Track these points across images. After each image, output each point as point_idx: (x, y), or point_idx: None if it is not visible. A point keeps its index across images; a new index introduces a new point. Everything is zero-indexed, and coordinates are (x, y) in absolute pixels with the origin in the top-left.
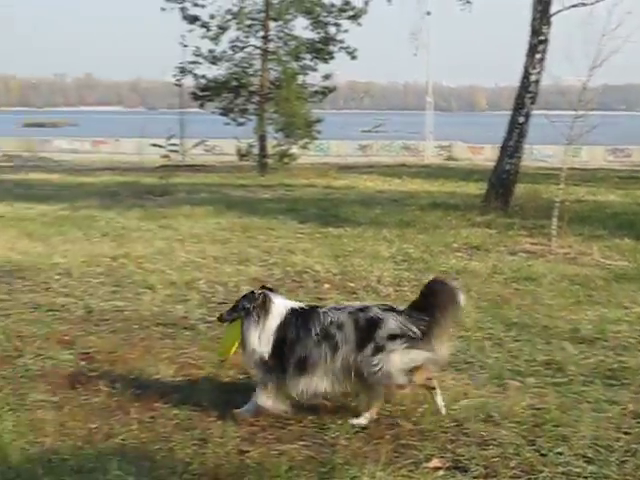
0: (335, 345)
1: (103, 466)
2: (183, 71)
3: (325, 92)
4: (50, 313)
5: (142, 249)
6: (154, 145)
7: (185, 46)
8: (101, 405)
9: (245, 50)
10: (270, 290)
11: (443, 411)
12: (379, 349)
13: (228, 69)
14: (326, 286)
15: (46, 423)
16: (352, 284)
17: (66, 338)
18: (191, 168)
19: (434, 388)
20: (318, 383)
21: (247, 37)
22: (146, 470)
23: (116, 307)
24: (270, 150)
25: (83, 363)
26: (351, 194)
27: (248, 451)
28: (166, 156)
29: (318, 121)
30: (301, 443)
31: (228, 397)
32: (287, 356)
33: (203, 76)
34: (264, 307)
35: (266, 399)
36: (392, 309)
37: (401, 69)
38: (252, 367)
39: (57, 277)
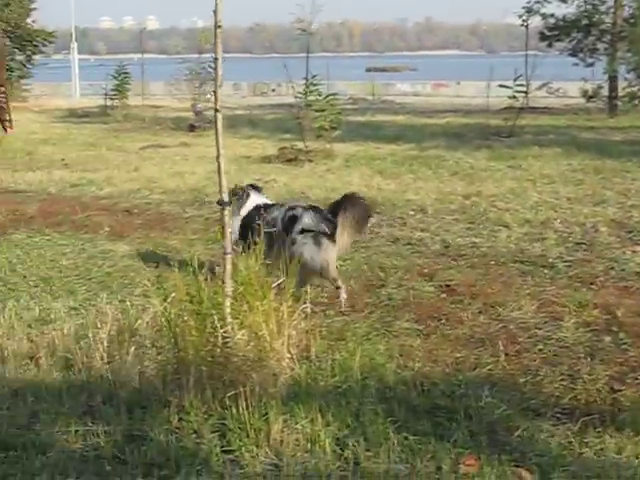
0: (270, 235)
1: (474, 393)
2: (530, 11)
3: None
4: (408, 246)
5: (493, 188)
6: (502, 86)
7: None
8: (466, 336)
9: None
10: (255, 188)
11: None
12: (293, 241)
13: (578, 7)
14: None
15: (414, 349)
16: None
17: (425, 271)
18: (535, 110)
19: (339, 287)
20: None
21: None
22: (517, 400)
23: (472, 243)
24: (620, 91)
25: (444, 295)
26: None
27: (620, 390)
28: (513, 97)
29: None
30: None
31: (593, 336)
32: (247, 241)
33: (552, 15)
34: (241, 199)
35: None
36: (313, 208)
37: None
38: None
39: (412, 213)
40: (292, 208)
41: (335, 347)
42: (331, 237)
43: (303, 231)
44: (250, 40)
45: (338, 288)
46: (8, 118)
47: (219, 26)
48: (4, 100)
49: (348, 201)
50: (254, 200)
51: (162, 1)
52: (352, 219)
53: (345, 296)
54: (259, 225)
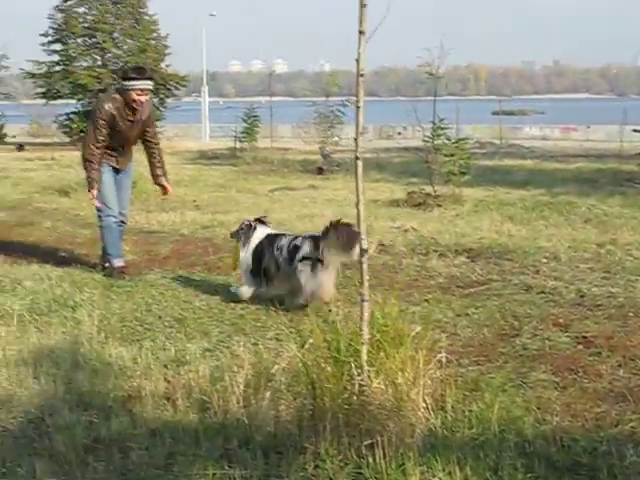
0: (277, 262)
1: (617, 451)
2: None
3: None
4: (542, 295)
5: (629, 236)
6: (636, 131)
7: None
8: (605, 390)
9: None
10: (261, 221)
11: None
12: (295, 267)
13: None
14: None
15: (552, 402)
16: None
17: (560, 321)
18: None
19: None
20: (275, 285)
21: None
22: None
23: (609, 293)
24: None
25: (581, 347)
26: None
27: None
28: None
29: None
30: None
31: None
32: (259, 267)
33: None
34: (249, 233)
35: (245, 292)
36: (313, 237)
37: None
38: (242, 274)
39: (544, 260)
40: (295, 238)
41: (471, 398)
42: (324, 263)
43: (303, 258)
44: (376, 83)
45: (327, 303)
46: (163, 174)
47: (361, 74)
48: (158, 157)
49: (332, 227)
50: (263, 231)
51: (290, 45)
52: (335, 243)
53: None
54: (271, 252)
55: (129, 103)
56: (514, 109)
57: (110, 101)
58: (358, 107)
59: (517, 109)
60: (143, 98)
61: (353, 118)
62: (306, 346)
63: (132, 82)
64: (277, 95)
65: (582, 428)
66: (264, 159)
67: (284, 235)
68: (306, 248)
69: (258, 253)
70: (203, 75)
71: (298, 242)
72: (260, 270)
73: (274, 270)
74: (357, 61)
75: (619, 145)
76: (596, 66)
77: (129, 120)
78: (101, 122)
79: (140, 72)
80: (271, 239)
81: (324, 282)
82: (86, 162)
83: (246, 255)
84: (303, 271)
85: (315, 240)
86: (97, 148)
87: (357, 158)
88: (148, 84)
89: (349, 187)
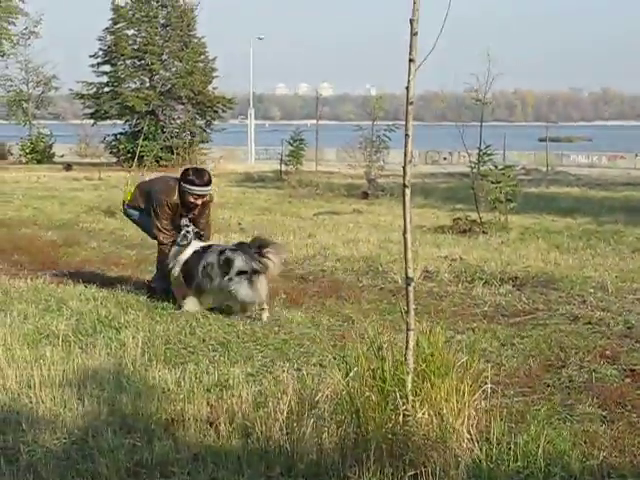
0: (210, 276)
1: None
2: None
3: None
4: (588, 326)
5: None
6: None
7: None
8: None
9: None
10: (199, 236)
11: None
12: (231, 280)
13: None
14: None
15: (598, 436)
16: None
17: (607, 352)
18: None
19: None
20: (209, 298)
21: None
22: None
23: None
24: None
25: (629, 380)
26: None
27: None
28: None
29: None
30: None
31: None
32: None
33: None
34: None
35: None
36: (242, 249)
37: None
38: (176, 291)
39: (591, 290)
40: (223, 252)
41: (516, 430)
42: (260, 272)
43: (240, 272)
44: (422, 108)
45: (262, 310)
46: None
47: (411, 102)
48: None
49: (263, 240)
50: (194, 246)
51: (336, 69)
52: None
53: (267, 315)
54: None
55: (185, 203)
56: (561, 136)
57: (170, 194)
58: (407, 135)
59: (564, 136)
60: (199, 201)
61: (399, 143)
62: (351, 374)
63: (191, 186)
64: (323, 118)
65: (630, 464)
66: (309, 182)
67: (210, 249)
68: (239, 263)
69: (189, 269)
70: (250, 97)
71: (230, 256)
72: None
73: (208, 285)
74: (407, 89)
75: None
76: None
77: (182, 215)
78: (166, 210)
79: (200, 177)
80: (199, 255)
81: (262, 291)
82: (161, 245)
83: (177, 265)
84: (241, 284)
85: (245, 251)
86: (167, 231)
87: (405, 186)
88: (206, 190)
89: (394, 212)
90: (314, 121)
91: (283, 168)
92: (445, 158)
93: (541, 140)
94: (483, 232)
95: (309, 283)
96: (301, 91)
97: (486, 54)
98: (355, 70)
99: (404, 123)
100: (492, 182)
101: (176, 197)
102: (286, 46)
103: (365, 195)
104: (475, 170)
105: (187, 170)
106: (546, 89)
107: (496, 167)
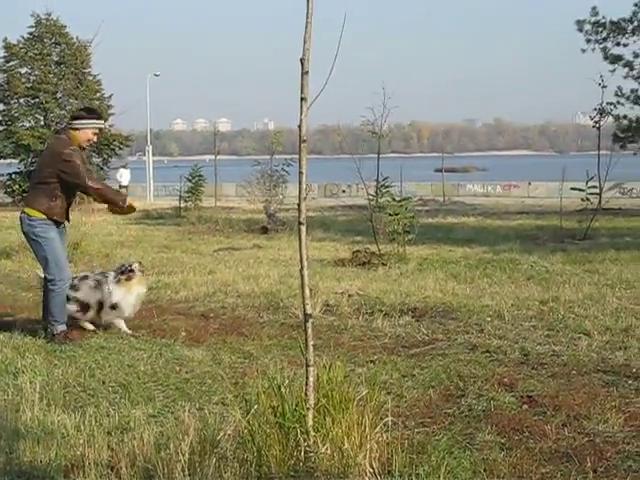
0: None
1: None
2: (601, 112)
3: None
4: (486, 354)
5: (571, 293)
6: (574, 189)
7: (604, 87)
8: (551, 450)
9: None
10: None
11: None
12: None
13: None
14: None
15: (497, 464)
16: None
17: (505, 380)
18: (609, 212)
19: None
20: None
21: None
22: None
23: (552, 351)
24: None
25: (526, 406)
26: None
27: None
28: (586, 199)
29: None
30: None
31: None
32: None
33: (625, 117)
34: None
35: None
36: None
37: None
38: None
39: (488, 319)
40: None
41: (417, 461)
42: None
43: None
44: (320, 141)
45: None
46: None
47: (304, 140)
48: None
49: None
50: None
51: (234, 104)
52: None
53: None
54: None
55: (81, 144)
56: (457, 166)
57: (70, 144)
58: (301, 172)
59: (460, 166)
60: (96, 138)
61: (297, 176)
62: (251, 412)
63: (88, 121)
64: (221, 154)
65: None
66: (209, 219)
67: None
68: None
69: None
70: (147, 134)
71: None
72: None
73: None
74: (299, 127)
75: (559, 202)
76: (536, 123)
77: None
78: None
79: (91, 111)
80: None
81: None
82: (98, 189)
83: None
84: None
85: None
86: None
87: (300, 223)
88: (101, 123)
89: (294, 246)
90: (213, 156)
91: (182, 204)
92: (344, 191)
93: (437, 170)
94: (382, 264)
95: (210, 320)
96: (199, 127)
97: (381, 88)
98: (253, 105)
99: (292, 157)
100: (390, 214)
101: (74, 145)
102: (183, 82)
103: (265, 230)
104: (373, 202)
105: (75, 112)
106: (441, 121)
107: (393, 199)
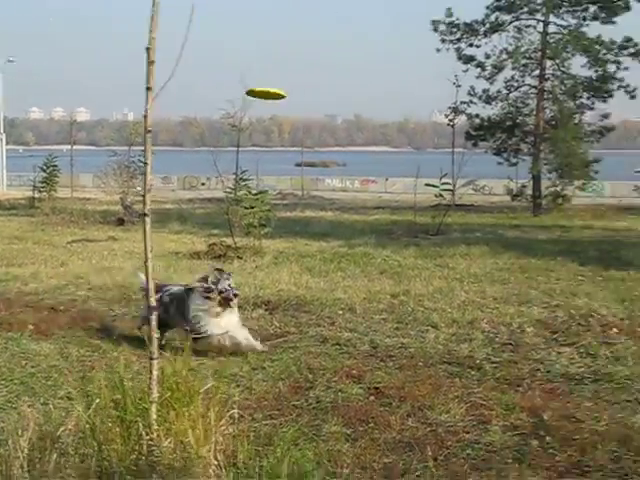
0: None
1: None
2: (456, 111)
3: (602, 132)
4: (337, 347)
5: (421, 287)
6: (428, 185)
7: (458, 86)
8: (395, 440)
9: (520, 89)
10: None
11: None
12: None
13: (502, 108)
14: (614, 330)
15: (342, 455)
16: None
17: (354, 372)
18: (462, 208)
19: None
20: None
21: (522, 76)
22: None
23: (401, 344)
24: (543, 190)
25: (373, 398)
26: (632, 236)
27: None
28: (440, 195)
29: (596, 161)
30: None
31: (521, 440)
32: None
33: (477, 115)
34: None
35: None
36: None
37: None
38: None
39: (340, 312)
40: None
41: (263, 453)
42: None
43: None
44: (181, 133)
45: None
46: None
47: (149, 131)
48: None
49: None
50: None
51: (93, 93)
52: None
53: None
54: None
55: None
56: (316, 161)
57: None
58: (146, 163)
59: (319, 161)
60: None
61: (154, 168)
62: (93, 406)
63: None
64: (80, 144)
65: (370, 479)
66: (63, 209)
67: None
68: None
69: None
70: (0, 122)
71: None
72: None
73: None
74: (145, 117)
75: (414, 197)
76: (395, 121)
77: None
78: None
79: None
80: None
81: None
82: None
83: None
84: None
85: None
86: None
87: (145, 215)
88: None
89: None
90: (69, 147)
91: (36, 195)
92: (203, 183)
93: (298, 165)
94: (238, 257)
95: (59, 313)
96: (56, 115)
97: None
98: (112, 95)
99: (159, 147)
100: (246, 207)
101: None
102: (40, 69)
103: (121, 222)
104: (231, 195)
105: None
106: (302, 115)
107: (250, 192)
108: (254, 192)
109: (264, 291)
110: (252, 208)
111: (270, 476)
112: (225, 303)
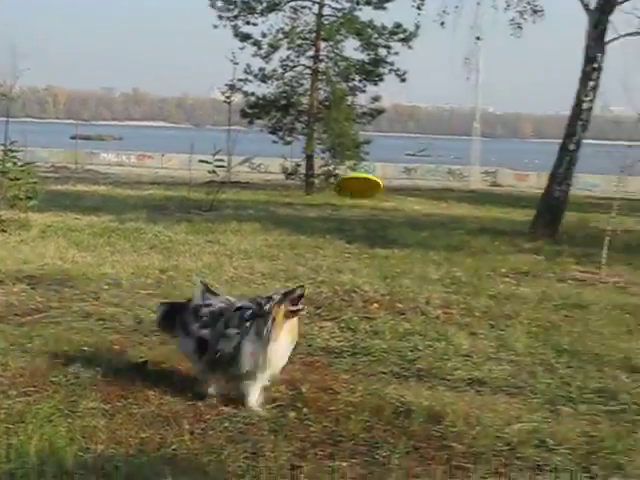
0: None
1: (156, 475)
2: (232, 88)
3: (373, 114)
4: (100, 322)
5: (190, 262)
6: (202, 161)
7: (236, 64)
8: (153, 415)
9: (295, 69)
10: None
11: None
12: None
13: (278, 87)
14: (375, 306)
15: (98, 431)
16: (400, 305)
17: (116, 347)
18: (237, 185)
19: None
20: None
21: (297, 56)
22: None
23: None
24: (316, 170)
25: (134, 373)
26: (398, 216)
27: (300, 466)
28: (213, 172)
29: (367, 142)
30: (353, 461)
31: (279, 412)
32: None
33: (252, 93)
34: None
35: None
36: None
37: (446, 93)
38: None
39: (106, 287)
40: None
41: (13, 430)
42: None
43: None
44: None
45: None
46: None
47: None
48: None
49: None
50: None
51: None
52: None
53: None
54: None
55: None
56: (92, 134)
57: None
58: None
59: (95, 134)
60: None
61: None
62: None
63: None
64: None
65: (125, 454)
66: None
67: None
68: None
69: None
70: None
71: None
72: None
73: None
74: None
75: (190, 174)
76: (173, 95)
77: None
78: None
79: None
80: None
81: None
82: None
83: None
84: None
85: None
86: None
87: None
88: None
89: None
90: None
91: None
92: None
93: (73, 138)
94: (2, 230)
95: None
96: None
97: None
98: None
99: None
100: (11, 179)
101: None
102: None
103: None
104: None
105: None
106: (79, 87)
107: (15, 164)
108: (20, 164)
109: (28, 265)
110: (18, 180)
111: (19, 454)
112: None
